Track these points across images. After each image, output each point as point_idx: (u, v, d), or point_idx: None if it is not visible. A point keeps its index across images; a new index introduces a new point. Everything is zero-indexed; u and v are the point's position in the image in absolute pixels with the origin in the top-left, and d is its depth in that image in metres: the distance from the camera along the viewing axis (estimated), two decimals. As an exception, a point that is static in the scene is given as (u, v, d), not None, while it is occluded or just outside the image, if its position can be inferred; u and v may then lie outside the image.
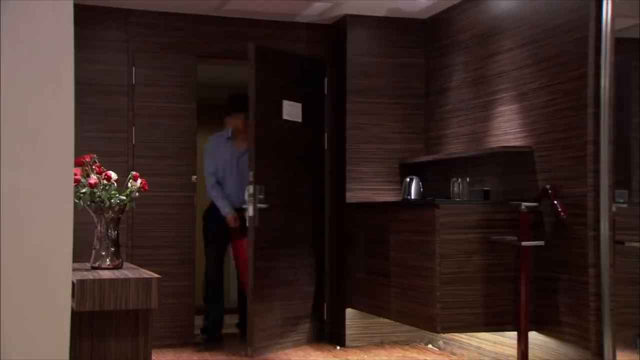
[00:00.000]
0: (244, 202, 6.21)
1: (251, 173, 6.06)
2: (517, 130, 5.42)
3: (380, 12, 6.61)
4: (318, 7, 6.46)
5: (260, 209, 6.08)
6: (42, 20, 3.03)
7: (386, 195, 6.68)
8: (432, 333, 6.31)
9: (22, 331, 2.91)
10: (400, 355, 6.16)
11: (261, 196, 6.09)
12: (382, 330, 6.58)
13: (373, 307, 6.05)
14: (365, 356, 6.13)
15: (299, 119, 6.63)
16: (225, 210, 6.55)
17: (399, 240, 5.59)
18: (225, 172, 6.64)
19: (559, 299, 4.91)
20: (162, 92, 6.61)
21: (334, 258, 6.85)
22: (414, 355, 6.15)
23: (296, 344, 6.51)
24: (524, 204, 4.95)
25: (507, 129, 5.54)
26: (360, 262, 6.26)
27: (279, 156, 6.43)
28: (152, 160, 6.51)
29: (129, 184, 4.41)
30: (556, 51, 5.02)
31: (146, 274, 4.01)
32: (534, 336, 5.06)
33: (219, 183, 6.63)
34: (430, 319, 5.10)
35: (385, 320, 6.25)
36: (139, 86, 6.55)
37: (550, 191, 4.86)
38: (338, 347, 6.50)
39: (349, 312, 6.53)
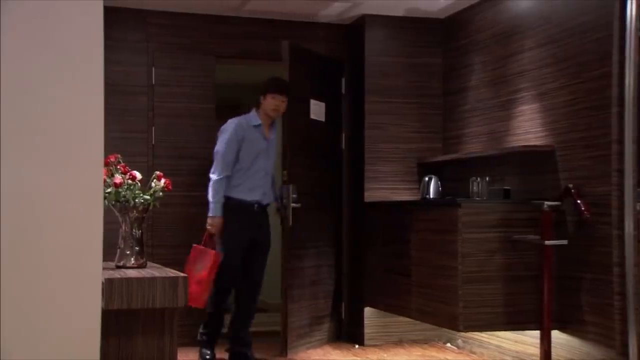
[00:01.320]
0: (272, 198, 5.94)
1: (285, 172, 6.02)
2: (538, 129, 5.38)
3: (398, 12, 6.58)
4: (337, 7, 6.43)
5: (293, 209, 6.05)
6: (73, 20, 3.01)
7: (403, 194, 6.65)
8: (450, 332, 6.29)
9: (54, 330, 2.90)
10: (420, 354, 6.12)
11: (295, 195, 6.04)
12: (400, 329, 6.55)
13: (393, 306, 6.02)
14: (385, 355, 6.09)
15: (323, 118, 6.61)
16: (218, 212, 5.67)
17: (419, 240, 5.56)
18: (253, 163, 5.75)
19: (582, 298, 4.87)
20: (181, 92, 6.59)
21: (352, 257, 6.82)
22: (434, 354, 6.11)
23: (319, 343, 6.49)
24: (547, 203, 4.91)
25: (528, 128, 5.50)
26: (379, 261, 6.23)
27: (306, 155, 6.39)
28: (171, 160, 6.49)
29: (153, 184, 4.40)
30: (577, 50, 4.98)
31: (172, 272, 4.00)
32: (556, 335, 5.03)
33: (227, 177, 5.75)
34: (452, 317, 5.06)
35: (403, 319, 6.23)
36: (158, 86, 6.53)
37: (572, 190, 4.82)
38: (357, 346, 6.47)
39: (367, 311, 6.50)
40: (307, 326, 6.33)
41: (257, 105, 5.88)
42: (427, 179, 6.38)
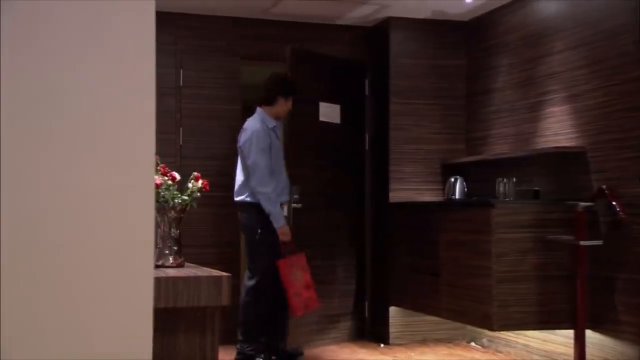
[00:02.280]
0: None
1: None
2: (568, 131, 5.37)
3: (424, 15, 6.56)
4: (363, 9, 6.42)
5: (295, 209, 6.06)
6: (126, 19, 3.00)
7: (427, 195, 6.64)
8: (474, 331, 6.28)
9: (108, 330, 2.88)
10: (447, 352, 6.11)
11: (296, 196, 6.06)
12: (424, 328, 6.53)
13: (420, 305, 6.00)
14: (413, 354, 6.08)
15: (337, 120, 6.58)
16: (281, 220, 5.49)
17: (449, 240, 5.54)
18: (277, 167, 5.57)
19: (616, 297, 4.86)
20: (207, 94, 6.57)
21: (375, 257, 6.80)
22: (460, 352, 6.10)
23: (335, 341, 6.47)
24: (581, 204, 4.90)
25: (557, 129, 5.49)
26: (405, 261, 6.21)
27: (315, 157, 6.37)
28: (198, 161, 6.47)
29: (190, 184, 4.39)
30: (612, 53, 4.97)
31: (215, 272, 3.99)
32: (588, 334, 5.01)
33: None
34: (486, 317, 5.05)
35: (427, 318, 6.22)
36: (185, 88, 6.51)
37: (607, 191, 4.81)
38: (382, 345, 6.45)
39: (391, 310, 6.48)
40: (314, 324, 6.31)
41: (265, 104, 5.64)
42: (452, 179, 6.36)
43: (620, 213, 4.70)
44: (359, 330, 6.77)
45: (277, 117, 5.66)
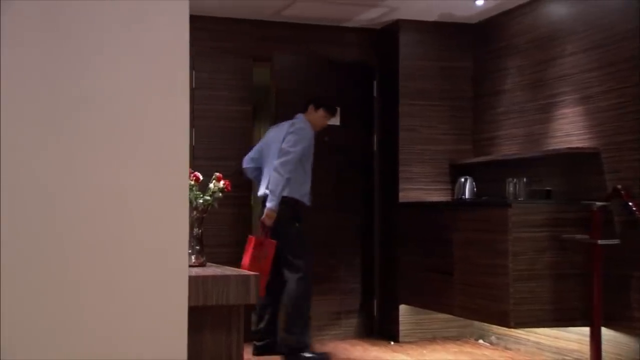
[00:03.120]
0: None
1: None
2: (581, 132, 5.39)
3: (432, 17, 6.58)
4: (373, 12, 6.43)
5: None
6: (161, 19, 2.99)
7: (435, 195, 6.65)
8: (482, 328, 6.31)
9: (143, 331, 2.88)
10: (457, 350, 6.13)
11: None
12: (433, 326, 6.55)
13: (431, 303, 6.01)
14: (424, 351, 6.09)
15: (337, 122, 6.58)
16: (275, 205, 5.52)
17: (462, 239, 5.56)
18: (308, 171, 5.76)
19: (632, 295, 4.89)
20: (219, 95, 6.57)
21: (383, 256, 6.81)
22: (470, 350, 6.12)
23: (342, 338, 6.49)
24: (597, 203, 4.93)
25: (569, 130, 5.52)
26: (415, 260, 6.22)
27: (324, 157, 6.32)
28: (210, 162, 6.45)
29: (212, 185, 4.38)
30: (625, 55, 5.00)
31: (242, 271, 4.00)
32: (602, 331, 5.04)
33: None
34: (502, 314, 5.07)
35: (436, 316, 6.25)
36: (198, 89, 6.50)
37: (622, 191, 4.84)
38: (392, 343, 6.46)
39: (400, 308, 6.50)
40: (324, 319, 6.29)
41: (305, 111, 5.89)
42: (462, 179, 6.38)
43: (636, 212, 4.73)
44: (367, 327, 6.79)
45: (313, 127, 5.85)
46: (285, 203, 5.59)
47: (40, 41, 2.50)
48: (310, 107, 5.88)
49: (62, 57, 2.50)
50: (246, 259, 5.53)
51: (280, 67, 6.60)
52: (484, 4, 6.15)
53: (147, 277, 2.98)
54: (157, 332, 2.97)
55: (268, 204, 5.54)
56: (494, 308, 5.15)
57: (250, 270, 5.26)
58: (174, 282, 3.07)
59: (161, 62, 3.08)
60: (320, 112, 5.88)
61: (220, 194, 4.42)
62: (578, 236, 5.01)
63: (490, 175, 6.35)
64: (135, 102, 2.98)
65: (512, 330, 5.90)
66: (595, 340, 4.92)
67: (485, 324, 6.11)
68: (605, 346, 5.02)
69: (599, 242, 4.89)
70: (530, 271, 5.03)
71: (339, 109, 6.29)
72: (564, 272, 5.09)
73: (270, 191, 5.54)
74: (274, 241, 5.56)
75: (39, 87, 2.59)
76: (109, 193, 2.84)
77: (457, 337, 6.55)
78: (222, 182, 4.44)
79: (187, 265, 3.12)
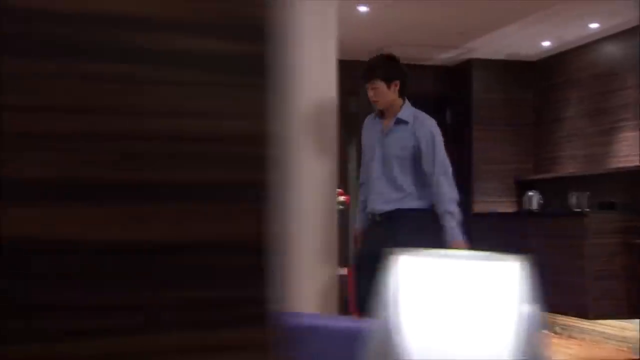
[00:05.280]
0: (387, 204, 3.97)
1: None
2: (640, 153, 6.18)
3: (501, 56, 7.41)
4: (452, 52, 7.24)
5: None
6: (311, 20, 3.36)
7: (502, 206, 7.45)
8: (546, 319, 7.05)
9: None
10: (530, 339, 6.84)
11: None
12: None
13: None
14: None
15: None
16: (356, 224, 4.26)
17: (540, 244, 6.30)
18: (368, 164, 4.12)
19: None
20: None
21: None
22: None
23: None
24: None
25: (629, 152, 6.30)
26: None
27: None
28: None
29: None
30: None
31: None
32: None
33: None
34: (582, 307, 5.85)
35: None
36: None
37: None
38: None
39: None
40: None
41: None
42: (530, 193, 7.16)
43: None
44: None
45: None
46: (423, 215, 4.02)
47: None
48: None
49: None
50: None
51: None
52: (549, 45, 6.99)
53: (306, 278, 3.53)
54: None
55: (457, 237, 3.90)
56: (574, 302, 5.92)
57: None
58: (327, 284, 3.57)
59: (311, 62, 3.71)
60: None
61: (341, 207, 5.07)
62: (645, 241, 5.79)
63: (553, 190, 7.14)
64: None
65: (575, 319, 6.66)
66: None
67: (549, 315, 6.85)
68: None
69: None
70: (605, 271, 5.81)
71: None
72: (634, 273, 5.86)
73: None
74: None
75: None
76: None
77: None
78: (342, 197, 5.10)
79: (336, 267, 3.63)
